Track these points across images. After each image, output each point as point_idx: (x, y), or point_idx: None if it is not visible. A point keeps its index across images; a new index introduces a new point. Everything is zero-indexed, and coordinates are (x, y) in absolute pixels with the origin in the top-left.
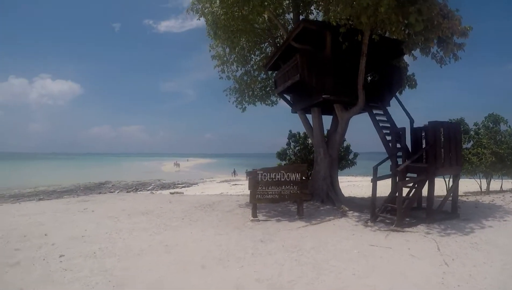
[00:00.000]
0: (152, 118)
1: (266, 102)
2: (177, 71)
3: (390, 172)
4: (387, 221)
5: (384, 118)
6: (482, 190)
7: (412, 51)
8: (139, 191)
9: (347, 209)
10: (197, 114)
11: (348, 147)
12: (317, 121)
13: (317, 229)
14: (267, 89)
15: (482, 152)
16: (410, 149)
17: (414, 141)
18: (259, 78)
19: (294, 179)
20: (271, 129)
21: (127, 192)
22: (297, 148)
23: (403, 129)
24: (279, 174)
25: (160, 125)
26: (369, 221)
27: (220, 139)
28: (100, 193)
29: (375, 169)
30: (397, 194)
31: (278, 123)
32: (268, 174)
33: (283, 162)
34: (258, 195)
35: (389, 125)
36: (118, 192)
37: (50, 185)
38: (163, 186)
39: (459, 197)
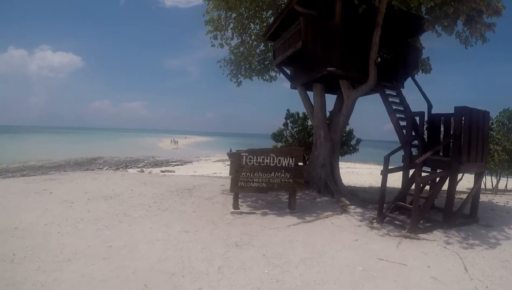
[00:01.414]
0: (155, 95)
1: (264, 77)
2: (181, 48)
3: (402, 164)
4: (397, 222)
5: (397, 100)
6: (487, 187)
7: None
8: (129, 168)
9: (348, 203)
10: (200, 93)
11: (351, 131)
12: (319, 99)
13: (311, 229)
14: (266, 63)
15: (494, 148)
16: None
17: (432, 129)
18: (257, 50)
19: (286, 164)
20: (273, 110)
21: (116, 169)
22: (295, 129)
23: (422, 113)
24: (269, 157)
25: (162, 102)
26: (374, 221)
27: (222, 118)
28: (87, 169)
29: (387, 159)
30: (413, 192)
31: (281, 104)
32: (255, 157)
33: (279, 144)
34: (241, 182)
35: (402, 108)
36: (106, 169)
37: (40, 160)
38: (156, 164)
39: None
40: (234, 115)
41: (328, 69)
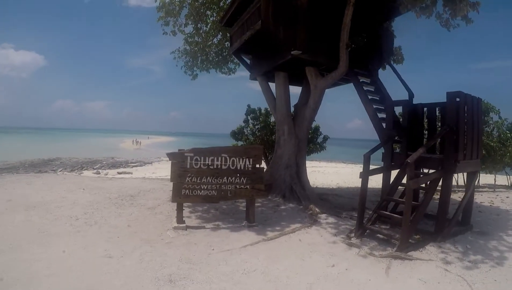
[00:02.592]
0: (117, 94)
1: (222, 70)
2: (144, 47)
3: (382, 163)
4: (380, 235)
5: (372, 89)
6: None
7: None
8: (85, 169)
9: (317, 211)
10: (164, 92)
11: (317, 128)
12: (282, 90)
13: (274, 251)
14: (224, 54)
15: None
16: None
17: (414, 122)
18: (214, 40)
19: (242, 167)
20: (239, 110)
21: (71, 170)
22: (256, 126)
23: (406, 102)
24: (220, 158)
25: (125, 102)
26: (352, 234)
27: (187, 118)
28: (39, 171)
29: (367, 158)
30: (403, 199)
31: (247, 103)
32: (202, 158)
33: (240, 143)
34: (186, 190)
35: (378, 98)
36: (60, 170)
37: None
38: (114, 165)
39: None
40: (200, 114)
41: (292, 53)
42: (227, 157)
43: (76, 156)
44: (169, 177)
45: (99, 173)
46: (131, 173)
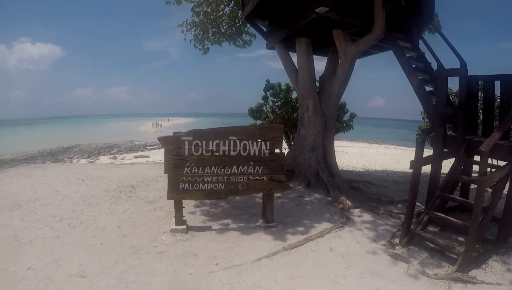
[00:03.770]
0: (136, 79)
1: (237, 42)
2: (160, 30)
3: (432, 147)
4: (429, 244)
5: (414, 55)
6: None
7: None
8: (102, 155)
9: (349, 204)
10: (182, 74)
11: (343, 104)
12: (304, 59)
13: (297, 267)
14: (238, 24)
15: None
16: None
17: (468, 98)
18: (226, 9)
19: (258, 152)
20: (260, 89)
21: (88, 157)
22: (276, 103)
23: (463, 71)
24: (228, 142)
25: (144, 86)
26: (395, 239)
27: (206, 98)
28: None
29: (421, 142)
30: (474, 200)
31: (266, 80)
32: (204, 142)
33: (259, 122)
34: (184, 183)
35: (423, 66)
36: (76, 158)
37: (15, 152)
38: (132, 149)
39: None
40: (220, 95)
41: (316, 10)
42: (237, 141)
43: (95, 142)
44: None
45: (115, 158)
46: (148, 157)
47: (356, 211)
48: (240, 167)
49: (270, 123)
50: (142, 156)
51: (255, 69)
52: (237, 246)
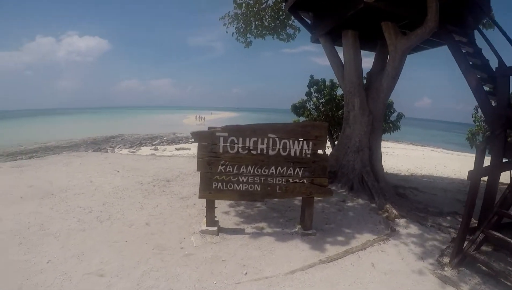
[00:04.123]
0: (181, 72)
1: (280, 36)
2: (205, 25)
3: (490, 155)
4: (482, 267)
5: (471, 51)
6: None
7: None
8: (143, 146)
9: (395, 212)
10: (226, 69)
11: (390, 104)
12: (351, 53)
13: (334, 285)
14: (281, 17)
15: None
16: None
17: None
18: (269, 2)
19: (299, 153)
20: (304, 86)
21: (130, 147)
22: (320, 100)
23: None
24: (266, 140)
25: (189, 79)
26: (444, 258)
27: (249, 93)
28: (98, 148)
29: (482, 150)
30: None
31: (310, 75)
32: (241, 139)
33: (301, 119)
34: (217, 183)
35: (480, 63)
36: (118, 147)
37: (60, 140)
38: (174, 141)
39: None
40: (263, 90)
41: (365, 0)
42: (277, 139)
43: (138, 133)
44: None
45: (157, 149)
46: (189, 149)
47: (402, 221)
48: (279, 168)
49: (314, 120)
50: (183, 148)
51: (299, 65)
52: (270, 254)
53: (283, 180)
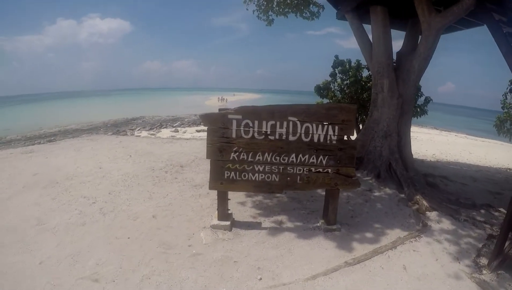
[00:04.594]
0: (204, 53)
1: (304, 14)
2: (230, 5)
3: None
4: None
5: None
6: None
7: None
8: (163, 128)
9: (426, 205)
10: (250, 50)
11: (418, 87)
12: (380, 30)
13: None
14: None
15: None
16: None
17: None
18: None
19: (323, 138)
20: (329, 67)
21: (150, 129)
22: (345, 82)
23: None
24: (286, 124)
25: (212, 60)
26: (481, 259)
27: (273, 75)
28: (118, 131)
29: None
30: None
31: (335, 55)
32: (256, 122)
33: (325, 101)
34: (231, 171)
35: None
36: (138, 129)
37: (80, 122)
38: (194, 122)
39: None
40: (287, 72)
41: None
42: (298, 123)
43: (160, 114)
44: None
45: (177, 131)
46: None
47: (434, 214)
48: (300, 155)
49: (338, 102)
50: (203, 130)
51: (324, 47)
52: (289, 253)
53: (305, 169)
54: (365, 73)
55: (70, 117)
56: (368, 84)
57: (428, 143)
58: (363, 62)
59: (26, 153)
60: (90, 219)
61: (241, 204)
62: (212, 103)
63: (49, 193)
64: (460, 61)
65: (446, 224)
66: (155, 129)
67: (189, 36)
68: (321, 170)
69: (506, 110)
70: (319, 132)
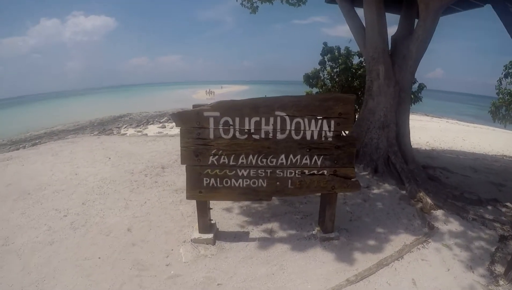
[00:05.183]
0: (191, 47)
1: (290, 0)
2: None
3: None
4: None
5: None
6: None
7: None
8: (150, 124)
9: (430, 203)
10: (236, 42)
11: None
12: (374, 13)
13: None
14: None
15: None
16: None
17: None
18: None
19: (317, 135)
20: (316, 58)
21: (136, 126)
22: (335, 69)
23: None
24: (273, 120)
25: (199, 54)
26: (495, 266)
27: (260, 66)
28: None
29: None
30: None
31: (324, 42)
32: (238, 119)
33: (315, 91)
34: (210, 178)
35: None
36: (125, 127)
37: (66, 123)
38: None
39: None
40: (274, 62)
41: None
42: (287, 118)
43: (147, 110)
44: None
45: (164, 127)
46: None
47: (439, 213)
48: (291, 156)
49: (328, 91)
50: None
51: (310, 36)
52: (281, 271)
53: (297, 172)
54: (355, 60)
55: (56, 118)
56: (359, 72)
57: (421, 130)
58: (353, 49)
59: (4, 161)
60: (59, 236)
61: (226, 210)
62: (200, 96)
63: (20, 207)
64: (447, 47)
65: (454, 225)
66: (142, 126)
67: (175, 30)
68: (315, 172)
69: (501, 95)
70: (312, 128)
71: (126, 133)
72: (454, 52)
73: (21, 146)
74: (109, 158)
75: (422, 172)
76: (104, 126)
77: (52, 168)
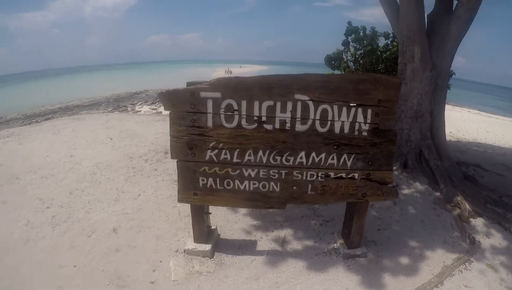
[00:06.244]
0: (211, 25)
1: None
2: None
3: None
4: None
5: None
6: None
7: None
8: None
9: (469, 209)
10: (257, 21)
11: None
12: None
13: None
14: None
15: None
16: None
17: None
18: None
19: (349, 128)
20: (338, 40)
21: (151, 103)
22: (359, 51)
23: None
24: (291, 105)
25: (218, 33)
26: None
27: (280, 47)
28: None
29: None
30: None
31: (348, 22)
32: (244, 103)
33: (337, 73)
34: (208, 177)
35: None
36: (139, 104)
37: (83, 98)
38: None
39: None
40: (295, 43)
41: None
42: (310, 103)
43: (165, 87)
44: None
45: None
46: None
47: (479, 223)
48: (313, 154)
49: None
50: None
51: (331, 20)
52: None
53: (320, 174)
54: (381, 42)
55: (74, 93)
56: (385, 54)
57: (456, 122)
58: (379, 30)
59: (3, 138)
60: (35, 234)
61: (231, 210)
62: (219, 75)
63: (4, 193)
64: (470, 34)
65: (497, 238)
66: (157, 103)
67: (196, 8)
68: (343, 175)
69: None
70: (343, 119)
71: (140, 111)
72: (477, 40)
73: (33, 120)
74: (111, 138)
75: (457, 170)
76: (119, 103)
77: (48, 149)
